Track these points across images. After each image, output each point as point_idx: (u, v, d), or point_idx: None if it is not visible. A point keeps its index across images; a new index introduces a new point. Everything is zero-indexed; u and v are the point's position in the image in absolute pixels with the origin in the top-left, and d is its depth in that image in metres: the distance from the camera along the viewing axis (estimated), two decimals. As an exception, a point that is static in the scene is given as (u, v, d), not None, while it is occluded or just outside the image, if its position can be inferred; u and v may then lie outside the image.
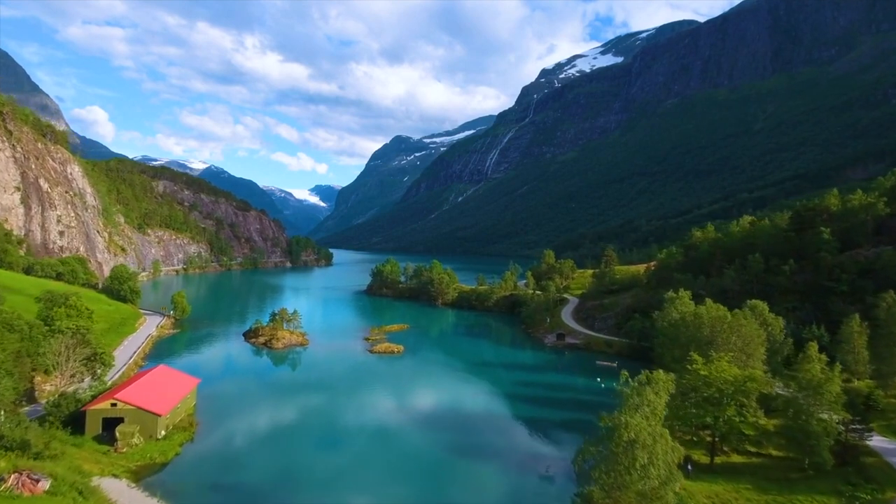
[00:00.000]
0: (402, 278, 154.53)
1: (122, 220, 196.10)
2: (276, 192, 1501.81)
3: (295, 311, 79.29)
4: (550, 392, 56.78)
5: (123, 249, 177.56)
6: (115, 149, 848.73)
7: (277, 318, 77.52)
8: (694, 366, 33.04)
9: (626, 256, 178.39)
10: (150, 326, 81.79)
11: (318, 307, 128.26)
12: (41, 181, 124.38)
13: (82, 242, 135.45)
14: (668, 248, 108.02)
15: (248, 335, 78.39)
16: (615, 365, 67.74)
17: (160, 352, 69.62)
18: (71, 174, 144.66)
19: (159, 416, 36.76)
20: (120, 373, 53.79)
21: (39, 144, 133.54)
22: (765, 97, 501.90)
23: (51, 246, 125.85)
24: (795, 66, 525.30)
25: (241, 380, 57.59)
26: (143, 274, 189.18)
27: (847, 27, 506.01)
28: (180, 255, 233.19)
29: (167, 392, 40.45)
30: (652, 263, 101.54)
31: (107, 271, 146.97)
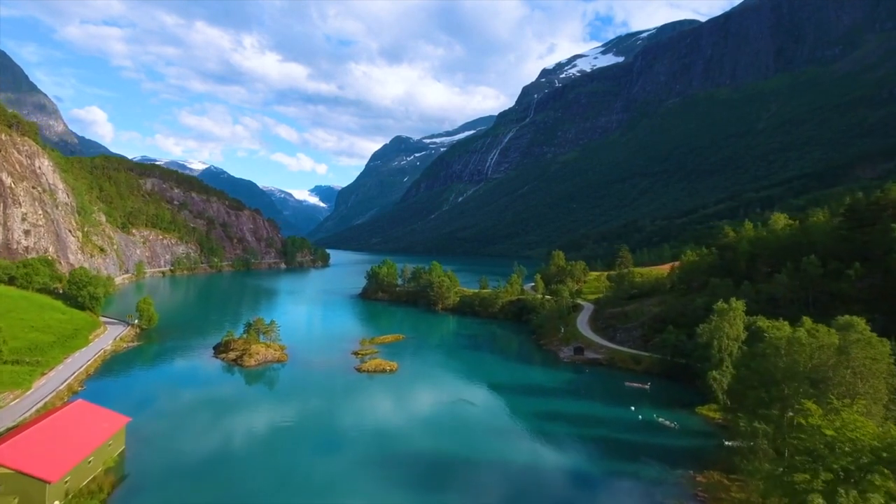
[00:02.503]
0: (400, 281, 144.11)
1: (103, 218, 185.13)
2: (276, 193, 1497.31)
3: (272, 322, 68.72)
4: (574, 426, 46.03)
5: (102, 250, 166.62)
6: (114, 149, 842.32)
7: (252, 329, 67.01)
8: (810, 420, 22.70)
9: (636, 258, 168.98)
10: (108, 339, 71.25)
11: (305, 313, 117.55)
12: (4, 175, 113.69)
13: (51, 242, 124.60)
14: (696, 248, 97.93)
15: (219, 349, 67.73)
16: (647, 387, 57.14)
17: (108, 371, 59.04)
18: (40, 168, 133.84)
19: (48, 482, 26.37)
20: (41, 403, 43.27)
21: (3, 136, 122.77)
22: (767, 96, 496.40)
23: (14, 246, 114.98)
24: (798, 66, 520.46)
25: (194, 411, 46.62)
26: (125, 276, 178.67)
27: (850, 26, 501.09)
28: (167, 256, 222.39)
29: (73, 442, 30.02)
30: (674, 264, 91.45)
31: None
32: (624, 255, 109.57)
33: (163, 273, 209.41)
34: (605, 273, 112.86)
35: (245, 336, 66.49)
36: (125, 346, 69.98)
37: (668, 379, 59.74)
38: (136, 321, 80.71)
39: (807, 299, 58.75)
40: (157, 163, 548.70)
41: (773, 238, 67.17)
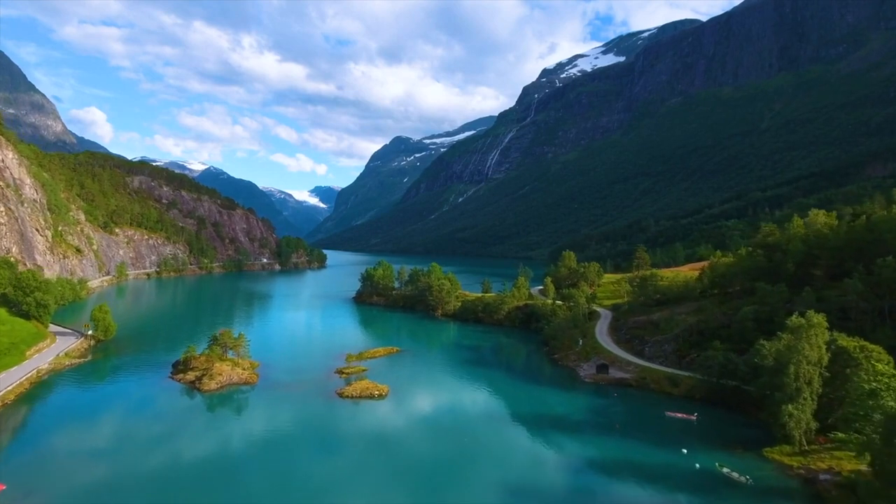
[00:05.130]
0: (397, 284, 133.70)
1: (82, 217, 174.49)
2: (276, 194, 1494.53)
3: (241, 335, 58.34)
4: (612, 479, 35.08)
5: (79, 251, 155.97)
6: (113, 149, 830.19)
7: (218, 343, 56.62)
8: None
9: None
10: (50, 354, 60.80)
11: (290, 320, 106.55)
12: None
13: (15, 242, 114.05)
14: (709, 248, 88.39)
15: (177, 368, 57.24)
16: (695, 418, 46.57)
17: (32, 400, 48.28)
18: (3, 162, 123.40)
19: None
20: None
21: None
22: (771, 95, 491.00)
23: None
24: (802, 65, 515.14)
25: (114, 464, 34.82)
26: (105, 278, 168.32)
27: (855, 24, 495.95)
28: (153, 257, 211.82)
29: None
30: (703, 265, 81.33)
31: (48, 275, 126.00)
32: (641, 256, 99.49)
33: (147, 275, 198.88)
34: (622, 276, 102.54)
35: (207, 352, 56.05)
36: (68, 363, 59.36)
37: (715, 406, 49.44)
38: (91, 332, 70.23)
39: (882, 309, 48.87)
40: (157, 163, 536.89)
41: (834, 236, 57.15)
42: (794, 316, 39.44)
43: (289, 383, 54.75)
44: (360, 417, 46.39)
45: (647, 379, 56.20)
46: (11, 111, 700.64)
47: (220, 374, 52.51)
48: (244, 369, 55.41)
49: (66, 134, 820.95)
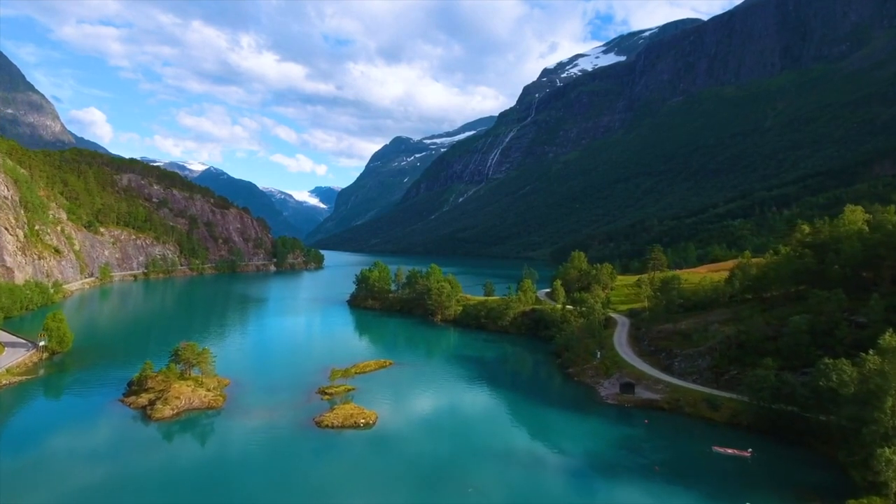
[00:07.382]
0: (394, 286, 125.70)
1: (63, 216, 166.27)
2: (276, 194, 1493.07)
3: (205, 350, 50.06)
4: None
5: (58, 251, 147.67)
6: (113, 150, 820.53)
7: (180, 359, 48.35)
8: None
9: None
10: (-12, 370, 52.51)
11: (275, 327, 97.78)
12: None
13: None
14: (721, 248, 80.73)
15: (131, 388, 48.91)
16: (749, 454, 38.28)
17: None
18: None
19: None
20: None
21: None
22: (774, 94, 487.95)
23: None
24: (805, 63, 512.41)
25: None
26: (88, 280, 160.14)
27: (858, 22, 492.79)
28: (141, 258, 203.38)
29: None
30: (723, 265, 73.34)
31: (19, 277, 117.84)
32: (657, 256, 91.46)
33: (134, 276, 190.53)
34: (636, 277, 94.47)
35: (165, 371, 47.75)
36: (6, 382, 50.93)
37: (766, 436, 41.25)
38: (43, 343, 61.98)
39: (968, 321, 41.03)
40: (157, 163, 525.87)
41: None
42: (887, 334, 31.42)
43: (259, 408, 46.13)
44: (338, 456, 37.78)
45: (681, 401, 47.92)
46: (10, 111, 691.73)
47: (178, 398, 44.09)
48: (209, 390, 47.02)
49: (65, 134, 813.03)
